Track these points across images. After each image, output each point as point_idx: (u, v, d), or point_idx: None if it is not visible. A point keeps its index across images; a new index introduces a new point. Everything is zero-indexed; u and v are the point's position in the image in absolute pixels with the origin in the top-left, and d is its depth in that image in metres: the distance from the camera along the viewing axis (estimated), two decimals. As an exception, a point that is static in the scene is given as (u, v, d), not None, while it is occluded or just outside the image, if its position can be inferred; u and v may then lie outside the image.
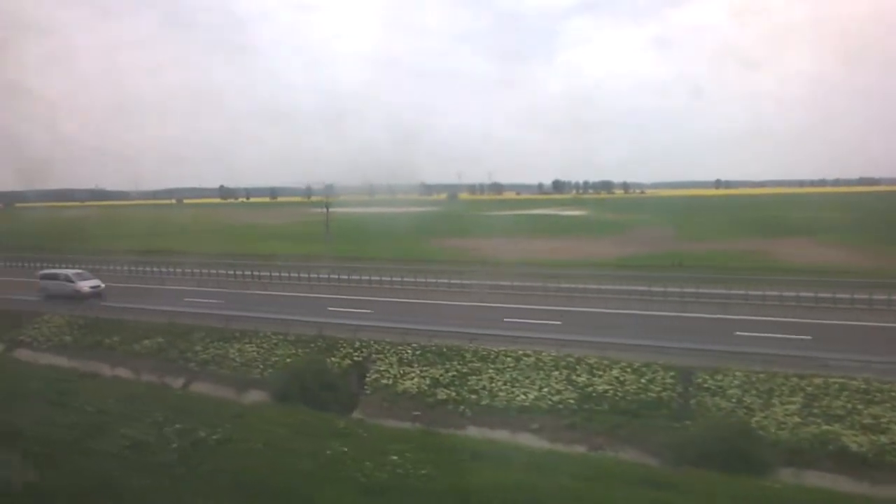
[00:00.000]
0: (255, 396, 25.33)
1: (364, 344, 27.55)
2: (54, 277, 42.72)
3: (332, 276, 45.42)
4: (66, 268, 45.56)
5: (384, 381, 24.82)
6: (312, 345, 28.08)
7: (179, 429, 19.70)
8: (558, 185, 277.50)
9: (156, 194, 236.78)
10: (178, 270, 49.97)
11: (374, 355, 26.76)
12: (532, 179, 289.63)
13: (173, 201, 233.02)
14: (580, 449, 20.08)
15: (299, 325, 30.32)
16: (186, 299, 38.94)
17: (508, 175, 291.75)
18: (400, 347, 26.76)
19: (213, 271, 48.46)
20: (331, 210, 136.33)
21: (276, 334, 29.29)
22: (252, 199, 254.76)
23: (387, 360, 26.07)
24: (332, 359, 26.71)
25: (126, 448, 18.57)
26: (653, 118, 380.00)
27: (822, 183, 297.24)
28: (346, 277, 44.60)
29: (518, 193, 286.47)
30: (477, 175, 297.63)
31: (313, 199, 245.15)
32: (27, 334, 33.75)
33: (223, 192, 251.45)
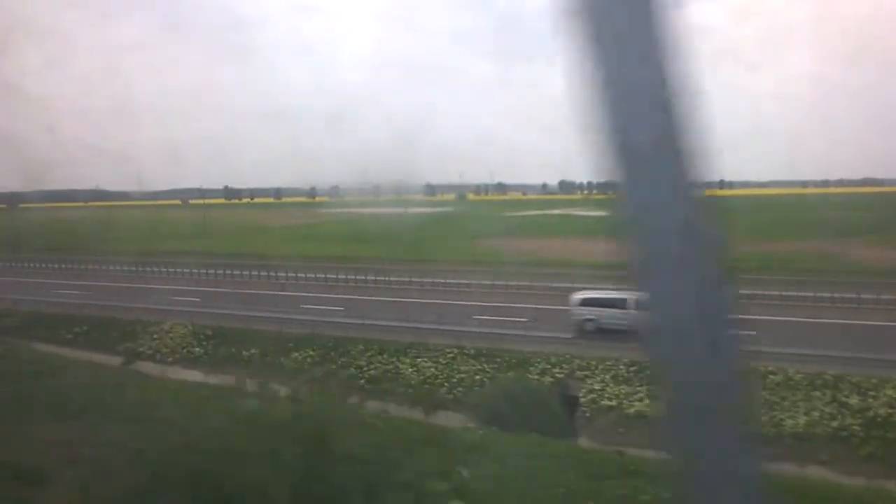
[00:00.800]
0: (448, 419, 22.38)
1: (562, 359, 24.70)
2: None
3: (436, 280, 42.41)
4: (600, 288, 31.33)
5: (605, 402, 22.01)
6: (498, 359, 25.18)
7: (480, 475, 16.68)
8: (565, 186, 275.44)
9: (157, 195, 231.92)
10: (256, 273, 46.86)
11: (577, 371, 23.92)
12: (530, 179, 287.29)
13: (178, 202, 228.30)
14: None
15: (470, 337, 27.41)
16: (303, 306, 35.82)
17: (508, 175, 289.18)
18: (608, 363, 23.94)
19: (302, 275, 45.49)
20: (344, 211, 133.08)
21: (449, 347, 26.34)
22: (256, 200, 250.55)
23: (598, 378, 23.25)
24: (530, 375, 23.85)
25: None
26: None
27: (826, 184, 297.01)
28: (453, 282, 41.78)
29: (524, 193, 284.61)
30: (477, 175, 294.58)
31: (318, 199, 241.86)
32: (146, 345, 30.61)
33: (228, 192, 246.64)
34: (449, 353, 25.88)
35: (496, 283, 40.01)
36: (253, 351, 28.35)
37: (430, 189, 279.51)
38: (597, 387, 22.88)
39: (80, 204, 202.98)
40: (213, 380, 26.73)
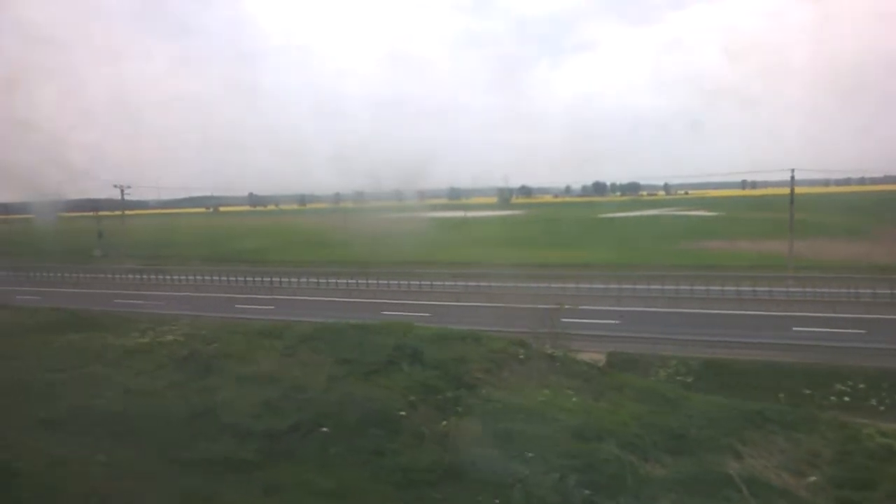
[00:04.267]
0: None
1: None
2: None
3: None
4: None
5: None
6: None
7: None
8: (599, 188, 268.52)
9: (171, 203, 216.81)
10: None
11: None
12: (543, 182, 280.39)
13: (204, 209, 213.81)
14: None
15: None
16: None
17: (520, 178, 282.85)
18: None
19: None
20: (403, 216, 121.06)
21: None
22: (281, 207, 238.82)
23: None
24: None
25: None
26: (670, 118, 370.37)
27: (848, 182, 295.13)
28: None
29: (555, 196, 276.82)
30: (492, 178, 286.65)
31: (341, 204, 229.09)
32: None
33: (252, 199, 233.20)
34: None
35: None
36: None
37: (455, 193, 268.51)
38: None
39: (106, 213, 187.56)
40: None
